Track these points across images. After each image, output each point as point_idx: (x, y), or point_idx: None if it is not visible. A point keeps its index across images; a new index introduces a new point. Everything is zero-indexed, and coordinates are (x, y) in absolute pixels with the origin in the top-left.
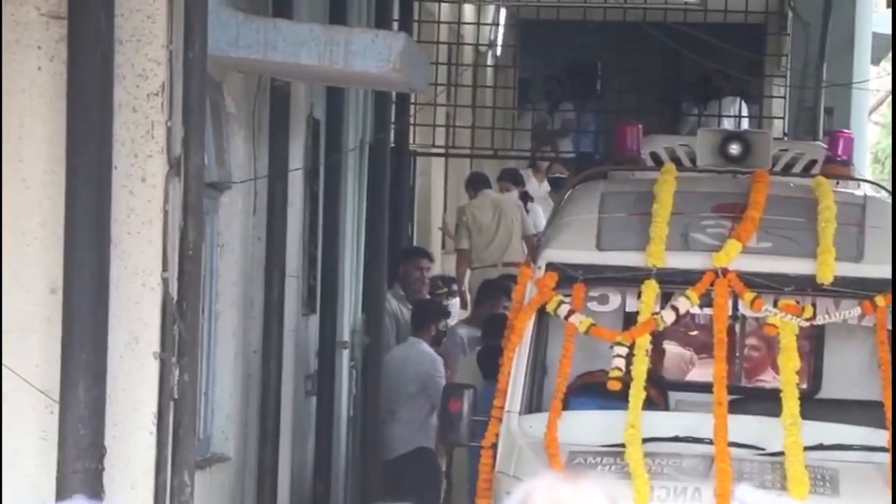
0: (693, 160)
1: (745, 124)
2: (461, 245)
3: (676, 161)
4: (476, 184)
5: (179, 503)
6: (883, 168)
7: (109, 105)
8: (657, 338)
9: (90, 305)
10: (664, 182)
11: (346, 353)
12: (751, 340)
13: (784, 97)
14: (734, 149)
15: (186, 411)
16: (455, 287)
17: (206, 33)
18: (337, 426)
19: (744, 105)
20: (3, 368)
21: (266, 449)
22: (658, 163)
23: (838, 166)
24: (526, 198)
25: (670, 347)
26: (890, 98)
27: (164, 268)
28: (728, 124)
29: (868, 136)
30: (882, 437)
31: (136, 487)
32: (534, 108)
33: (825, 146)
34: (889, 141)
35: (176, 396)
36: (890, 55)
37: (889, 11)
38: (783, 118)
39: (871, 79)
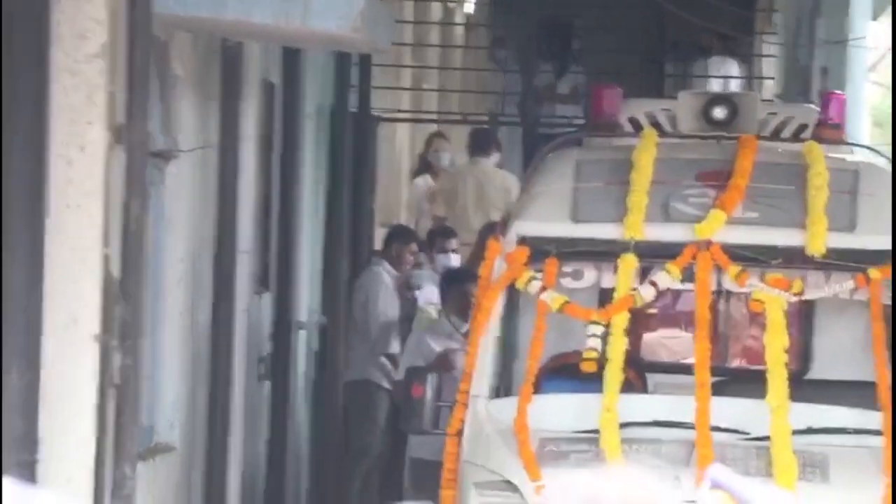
0: (675, 125)
1: (733, 85)
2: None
3: (657, 126)
4: (474, 147)
5: (121, 497)
6: (883, 132)
7: (46, 68)
8: (635, 315)
9: (24, 284)
10: (643, 149)
11: (302, 335)
12: (736, 317)
13: (776, 56)
14: (719, 112)
15: (128, 398)
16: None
17: None
18: (293, 413)
19: (733, 65)
20: None
21: (215, 438)
22: (637, 128)
23: (830, 130)
24: None
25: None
26: (889, 57)
27: (106, 244)
28: (716, 85)
29: (866, 97)
30: (875, 420)
31: (74, 481)
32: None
33: (817, 108)
34: (888, 102)
35: (117, 382)
36: (890, 10)
37: None
38: (774, 78)
39: (869, 35)
